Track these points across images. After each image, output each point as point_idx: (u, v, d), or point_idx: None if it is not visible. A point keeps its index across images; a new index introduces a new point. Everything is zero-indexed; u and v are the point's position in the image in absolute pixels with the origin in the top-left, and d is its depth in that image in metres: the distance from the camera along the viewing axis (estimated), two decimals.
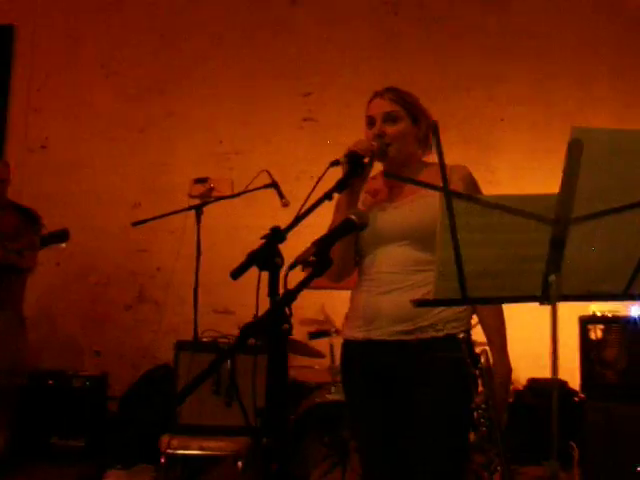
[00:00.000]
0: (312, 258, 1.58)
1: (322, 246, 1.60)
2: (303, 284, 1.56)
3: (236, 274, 1.69)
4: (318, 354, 3.92)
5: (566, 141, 2.07)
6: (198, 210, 3.78)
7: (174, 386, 3.26)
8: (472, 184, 2.13)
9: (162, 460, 3.08)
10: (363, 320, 2.09)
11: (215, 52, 5.45)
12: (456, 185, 2.07)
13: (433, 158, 2.26)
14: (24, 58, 5.65)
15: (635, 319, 3.95)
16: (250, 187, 3.94)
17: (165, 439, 3.08)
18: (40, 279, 5.15)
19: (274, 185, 3.97)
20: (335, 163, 1.99)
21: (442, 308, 2.00)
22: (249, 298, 5.50)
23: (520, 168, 5.00)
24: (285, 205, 3.98)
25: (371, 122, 2.17)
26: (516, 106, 5.12)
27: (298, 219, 1.85)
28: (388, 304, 2.03)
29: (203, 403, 3.20)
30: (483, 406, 1.94)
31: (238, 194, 3.95)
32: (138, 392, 4.35)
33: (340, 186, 1.97)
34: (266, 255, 1.72)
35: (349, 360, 2.15)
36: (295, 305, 5.37)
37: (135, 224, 3.80)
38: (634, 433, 3.64)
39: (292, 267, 1.59)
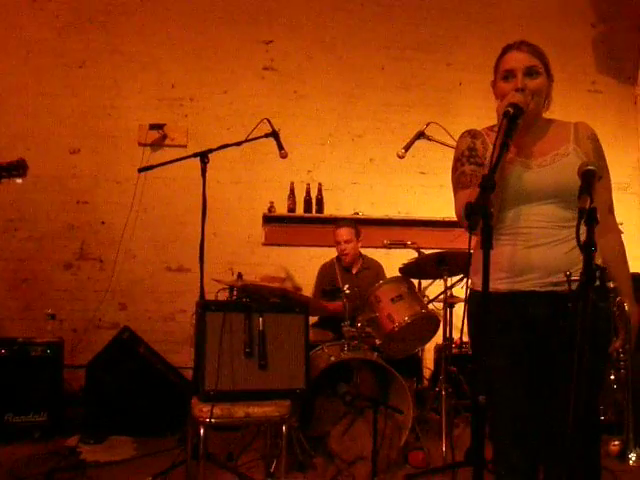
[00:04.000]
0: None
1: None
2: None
3: (473, 227, 1.59)
4: (332, 312, 3.83)
5: None
6: (204, 158, 3.41)
7: (201, 348, 2.97)
8: (598, 143, 2.16)
9: (201, 430, 2.81)
10: (508, 272, 2.06)
11: None
12: (585, 143, 2.10)
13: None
14: None
15: None
16: (246, 136, 3.65)
17: (204, 407, 2.81)
18: None
19: (274, 134, 3.71)
20: (506, 115, 1.91)
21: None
22: (208, 254, 5.13)
23: None
24: (283, 157, 3.75)
25: (509, 75, 2.09)
26: (472, 72, 5.26)
27: (494, 168, 1.76)
28: (540, 257, 2.02)
29: (235, 367, 2.97)
30: (621, 350, 2.03)
31: (239, 143, 3.63)
32: (106, 359, 3.94)
33: (508, 138, 1.91)
34: (485, 204, 1.65)
35: (487, 311, 2.11)
36: (254, 262, 5.17)
37: (142, 170, 3.37)
38: None
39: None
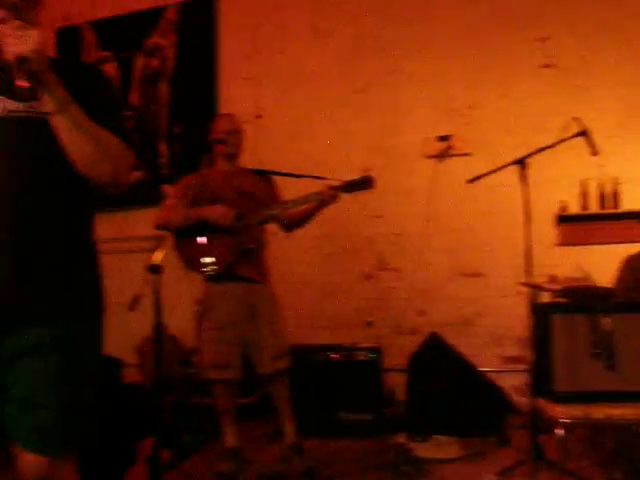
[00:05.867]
0: None
1: None
2: None
3: None
4: None
5: None
6: (522, 163, 3.51)
7: (547, 350, 3.01)
8: None
9: (560, 431, 2.85)
10: None
11: (435, 5, 5.14)
12: None
13: None
14: (229, 26, 5.47)
15: None
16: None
17: (559, 408, 2.85)
18: (271, 251, 5.02)
19: (584, 133, 3.64)
20: None
21: None
22: (501, 258, 5.11)
23: None
24: (595, 154, 3.66)
25: None
26: None
27: None
28: None
29: (581, 368, 2.97)
30: None
31: (552, 145, 3.63)
32: (422, 362, 4.17)
33: None
34: None
35: None
36: (547, 264, 4.97)
37: (471, 180, 3.57)
38: None
39: None
